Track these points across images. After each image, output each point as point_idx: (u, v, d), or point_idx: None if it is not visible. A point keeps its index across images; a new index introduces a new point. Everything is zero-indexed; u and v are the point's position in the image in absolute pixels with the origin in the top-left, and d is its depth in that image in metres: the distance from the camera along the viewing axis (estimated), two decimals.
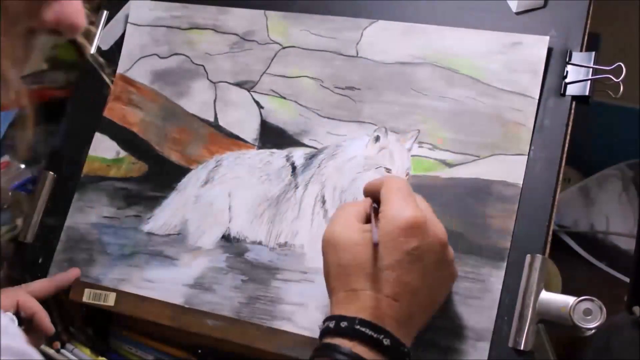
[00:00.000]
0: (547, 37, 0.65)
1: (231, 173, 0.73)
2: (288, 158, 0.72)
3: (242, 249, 0.70)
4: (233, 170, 0.73)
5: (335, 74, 0.72)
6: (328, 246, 0.57)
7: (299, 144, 0.72)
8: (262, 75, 0.75)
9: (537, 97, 0.64)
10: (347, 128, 0.70)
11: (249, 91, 0.75)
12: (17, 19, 0.37)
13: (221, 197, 0.73)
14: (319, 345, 0.53)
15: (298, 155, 0.71)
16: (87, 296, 0.73)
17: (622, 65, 0.62)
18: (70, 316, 0.76)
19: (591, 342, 0.71)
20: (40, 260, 0.77)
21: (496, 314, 0.60)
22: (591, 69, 0.64)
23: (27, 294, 0.69)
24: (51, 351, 0.74)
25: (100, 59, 0.81)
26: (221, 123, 0.76)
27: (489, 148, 0.64)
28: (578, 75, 0.64)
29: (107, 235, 0.75)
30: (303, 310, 0.65)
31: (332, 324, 0.53)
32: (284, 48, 0.75)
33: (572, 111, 0.64)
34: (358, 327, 0.51)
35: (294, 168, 0.71)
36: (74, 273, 0.74)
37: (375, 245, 0.54)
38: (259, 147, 0.73)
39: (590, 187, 0.95)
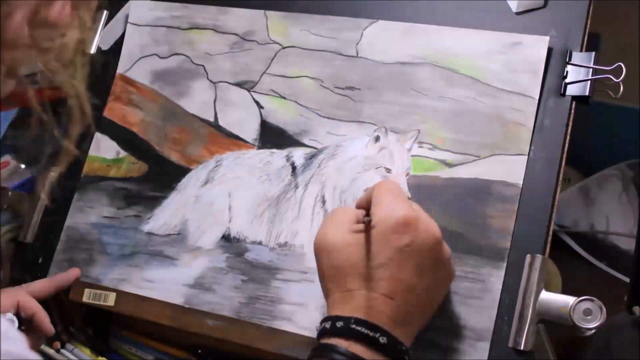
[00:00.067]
0: (547, 37, 0.65)
1: (231, 173, 0.73)
2: (288, 158, 0.72)
3: (242, 249, 0.70)
4: (233, 170, 0.73)
5: (335, 74, 0.72)
6: (321, 249, 0.57)
7: (299, 144, 0.72)
8: (262, 75, 0.75)
9: (537, 97, 0.64)
10: (347, 128, 0.70)
11: (249, 91, 0.75)
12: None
13: (221, 197, 0.73)
14: (316, 346, 0.53)
15: (298, 155, 0.71)
16: (87, 296, 0.73)
17: (622, 65, 0.62)
18: (70, 316, 0.76)
19: (591, 342, 0.71)
20: (40, 260, 0.77)
21: (496, 314, 0.59)
22: (591, 69, 0.64)
23: (27, 294, 0.69)
24: (51, 351, 0.74)
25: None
26: (221, 123, 0.76)
27: (489, 148, 0.64)
28: (578, 76, 0.64)
29: (107, 235, 0.75)
30: (303, 310, 0.65)
31: (328, 325, 0.53)
32: (284, 48, 0.75)
33: (572, 111, 0.64)
34: (354, 326, 0.51)
35: (294, 168, 0.71)
36: (74, 273, 0.74)
37: (368, 244, 0.54)
38: (259, 147, 0.73)
39: (590, 187, 0.95)
